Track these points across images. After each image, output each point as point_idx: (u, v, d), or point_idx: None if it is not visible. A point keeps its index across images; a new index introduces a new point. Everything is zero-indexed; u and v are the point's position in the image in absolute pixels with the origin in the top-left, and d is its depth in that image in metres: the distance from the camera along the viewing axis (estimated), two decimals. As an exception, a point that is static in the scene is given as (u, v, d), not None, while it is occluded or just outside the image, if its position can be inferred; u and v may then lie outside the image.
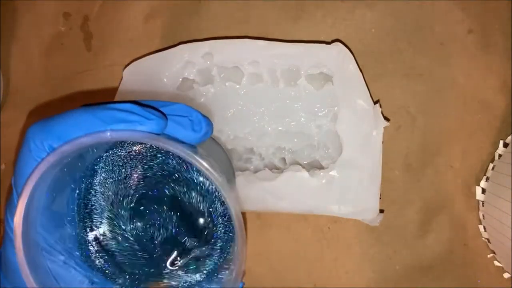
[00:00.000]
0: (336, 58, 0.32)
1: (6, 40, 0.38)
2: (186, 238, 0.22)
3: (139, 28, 0.37)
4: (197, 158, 0.17)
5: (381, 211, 0.33)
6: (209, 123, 0.21)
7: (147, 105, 0.19)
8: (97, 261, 0.22)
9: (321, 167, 0.33)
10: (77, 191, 0.21)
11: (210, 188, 0.22)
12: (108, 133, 0.17)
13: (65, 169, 0.19)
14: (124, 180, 0.22)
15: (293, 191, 0.31)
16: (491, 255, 0.33)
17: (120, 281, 0.22)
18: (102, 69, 0.37)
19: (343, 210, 0.31)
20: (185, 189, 0.22)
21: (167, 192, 0.22)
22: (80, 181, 0.21)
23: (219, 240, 0.22)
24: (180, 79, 0.34)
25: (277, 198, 0.31)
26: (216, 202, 0.22)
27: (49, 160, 0.17)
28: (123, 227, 0.22)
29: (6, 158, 0.38)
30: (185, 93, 0.34)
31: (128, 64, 0.35)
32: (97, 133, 0.17)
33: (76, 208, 0.21)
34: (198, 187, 0.22)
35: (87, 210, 0.22)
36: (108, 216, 0.22)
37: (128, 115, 0.18)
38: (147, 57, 0.35)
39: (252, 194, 0.31)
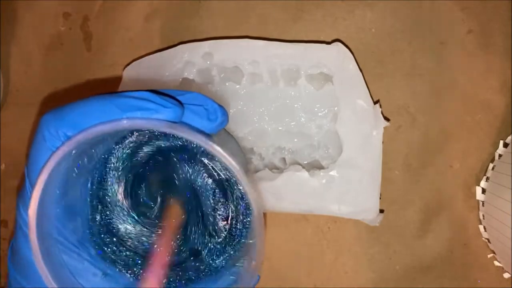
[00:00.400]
0: (336, 58, 0.32)
1: (6, 40, 0.38)
2: (202, 225, 0.22)
3: (139, 28, 0.37)
4: (215, 146, 0.17)
5: (381, 211, 0.33)
6: (225, 113, 0.20)
7: (164, 93, 0.19)
8: (110, 252, 0.21)
9: (321, 167, 0.33)
10: (90, 183, 0.21)
11: (226, 176, 0.22)
12: (125, 121, 0.16)
13: (78, 160, 0.19)
14: (137, 171, 0.22)
15: (293, 191, 0.31)
16: (491, 255, 0.33)
17: (134, 272, 0.22)
18: (102, 69, 0.37)
19: (343, 210, 0.31)
20: (200, 176, 0.22)
21: (181, 180, 0.22)
22: (92, 172, 0.21)
23: (237, 228, 0.22)
24: (180, 79, 0.34)
25: (277, 198, 0.31)
26: (233, 190, 0.22)
27: (64, 149, 0.16)
28: (136, 217, 0.22)
29: (6, 158, 0.38)
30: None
31: (128, 64, 0.35)
32: (114, 121, 0.16)
33: (89, 199, 0.21)
34: (214, 176, 0.22)
35: (99, 201, 0.21)
36: (121, 207, 0.22)
37: (145, 103, 0.17)
38: (147, 57, 0.35)
39: (252, 194, 0.31)
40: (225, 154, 0.17)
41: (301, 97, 0.33)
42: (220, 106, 0.20)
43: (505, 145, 0.33)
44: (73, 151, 0.17)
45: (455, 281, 0.33)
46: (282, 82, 0.33)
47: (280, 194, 0.31)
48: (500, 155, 0.32)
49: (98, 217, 0.21)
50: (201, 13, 0.36)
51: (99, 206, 0.21)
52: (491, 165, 0.33)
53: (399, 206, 0.34)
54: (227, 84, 0.34)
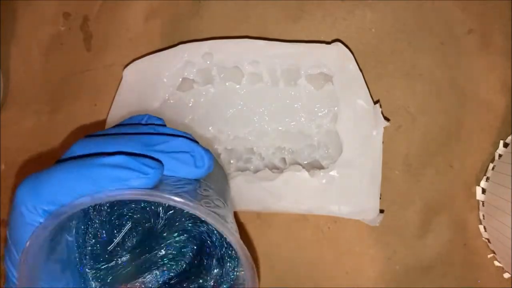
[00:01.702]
0: (336, 58, 0.32)
1: (6, 40, 0.38)
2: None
3: (139, 28, 0.37)
4: (203, 209, 0.17)
5: (381, 211, 0.33)
6: (211, 157, 0.20)
7: (142, 154, 0.18)
8: None
9: (321, 167, 0.33)
10: (75, 236, 0.21)
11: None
12: (103, 196, 0.17)
13: (60, 224, 0.19)
14: (117, 220, 0.22)
15: (293, 191, 0.31)
16: (491, 255, 0.33)
17: None
18: (102, 69, 0.37)
19: (343, 210, 0.31)
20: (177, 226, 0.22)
21: (159, 226, 0.22)
22: (75, 222, 0.21)
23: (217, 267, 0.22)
24: (180, 79, 0.34)
25: (277, 198, 0.31)
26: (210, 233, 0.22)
27: (45, 225, 0.17)
28: (121, 260, 0.22)
29: (6, 158, 0.38)
30: (185, 93, 0.34)
31: (128, 64, 0.35)
32: (94, 196, 0.17)
33: (76, 248, 0.21)
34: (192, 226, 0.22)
35: (87, 251, 0.21)
36: (107, 253, 0.22)
37: (122, 171, 0.17)
38: (147, 57, 0.35)
39: (252, 194, 0.31)
40: (212, 219, 0.17)
41: (301, 97, 0.33)
42: (206, 150, 0.20)
43: (505, 145, 0.33)
44: (55, 225, 0.17)
45: (455, 281, 0.33)
46: (282, 82, 0.33)
47: (280, 194, 0.31)
48: (500, 155, 0.32)
49: (87, 265, 0.21)
50: (201, 13, 0.36)
51: (88, 255, 0.21)
52: (491, 165, 0.33)
53: (399, 206, 0.34)
54: (227, 84, 0.34)
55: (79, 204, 0.17)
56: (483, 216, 0.32)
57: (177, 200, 0.17)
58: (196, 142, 0.21)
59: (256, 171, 0.33)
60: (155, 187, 0.18)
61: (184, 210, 0.21)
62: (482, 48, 0.34)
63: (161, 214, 0.21)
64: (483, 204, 0.33)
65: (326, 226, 0.35)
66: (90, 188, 0.17)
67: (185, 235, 0.22)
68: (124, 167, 0.17)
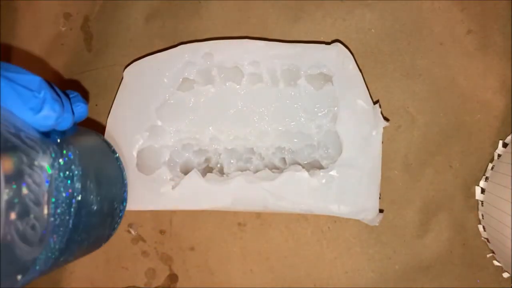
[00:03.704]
0: (336, 58, 0.32)
1: (6, 40, 0.38)
2: None
3: (139, 28, 0.37)
4: None
5: (381, 211, 0.33)
6: (56, 109, 0.17)
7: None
8: None
9: (321, 167, 0.33)
10: None
11: None
12: None
13: None
14: None
15: (293, 191, 0.31)
16: (491, 254, 0.33)
17: None
18: (102, 70, 0.37)
19: (343, 210, 0.31)
20: None
21: None
22: None
23: None
24: (180, 79, 0.34)
25: (277, 198, 0.31)
26: None
27: None
28: None
29: (7, 158, 0.38)
30: (185, 93, 0.34)
31: (128, 65, 0.35)
32: None
33: None
34: None
35: None
36: None
37: None
38: (148, 57, 0.35)
39: (252, 194, 0.31)
40: None
41: (301, 97, 0.33)
42: (56, 100, 0.17)
43: (504, 145, 0.33)
44: None
45: (454, 280, 0.34)
46: (282, 82, 0.33)
47: (280, 194, 0.31)
48: (499, 155, 0.33)
49: None
50: (201, 13, 0.37)
51: None
52: (490, 165, 0.33)
53: (398, 206, 0.34)
54: (227, 84, 0.34)
55: None
56: (482, 215, 0.33)
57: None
58: (62, 93, 0.18)
59: (256, 171, 0.33)
60: None
61: None
62: (481, 49, 0.34)
63: None
64: (482, 203, 0.33)
65: (326, 226, 0.35)
66: None
67: None
68: None
